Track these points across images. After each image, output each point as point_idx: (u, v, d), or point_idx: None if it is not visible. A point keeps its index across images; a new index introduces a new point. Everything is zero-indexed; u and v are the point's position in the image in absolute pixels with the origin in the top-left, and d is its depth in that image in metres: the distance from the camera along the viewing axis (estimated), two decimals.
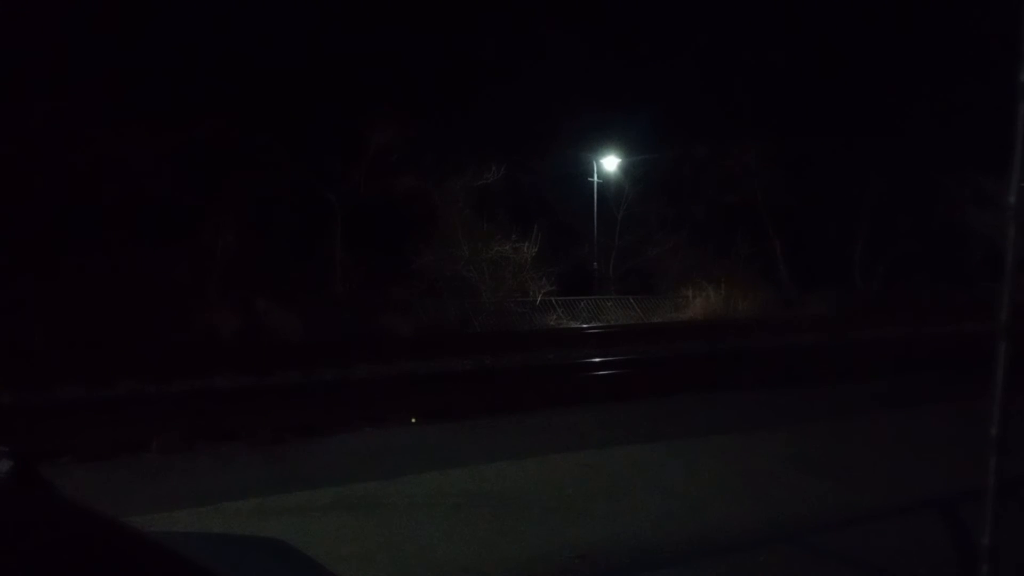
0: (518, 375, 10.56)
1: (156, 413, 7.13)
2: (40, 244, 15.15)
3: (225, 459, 5.74)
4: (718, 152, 24.94)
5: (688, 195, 25.28)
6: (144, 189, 16.89)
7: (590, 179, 24.94)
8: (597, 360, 11.57)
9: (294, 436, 6.48)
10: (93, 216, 16.07)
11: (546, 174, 24.21)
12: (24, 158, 15.70)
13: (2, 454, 0.72)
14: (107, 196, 16.37)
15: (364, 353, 11.88)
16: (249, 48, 19.34)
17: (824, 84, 26.18)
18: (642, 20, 29.60)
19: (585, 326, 18.77)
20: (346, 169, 19.91)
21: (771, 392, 8.49)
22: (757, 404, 7.89)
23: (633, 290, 23.70)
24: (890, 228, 25.73)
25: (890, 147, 24.39)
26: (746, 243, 24.93)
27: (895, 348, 13.25)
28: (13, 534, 0.66)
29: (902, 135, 24.51)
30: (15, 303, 13.22)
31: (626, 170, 25.45)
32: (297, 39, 20.54)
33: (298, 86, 19.93)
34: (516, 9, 27.72)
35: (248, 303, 15.87)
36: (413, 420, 7.28)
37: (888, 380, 9.35)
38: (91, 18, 16.49)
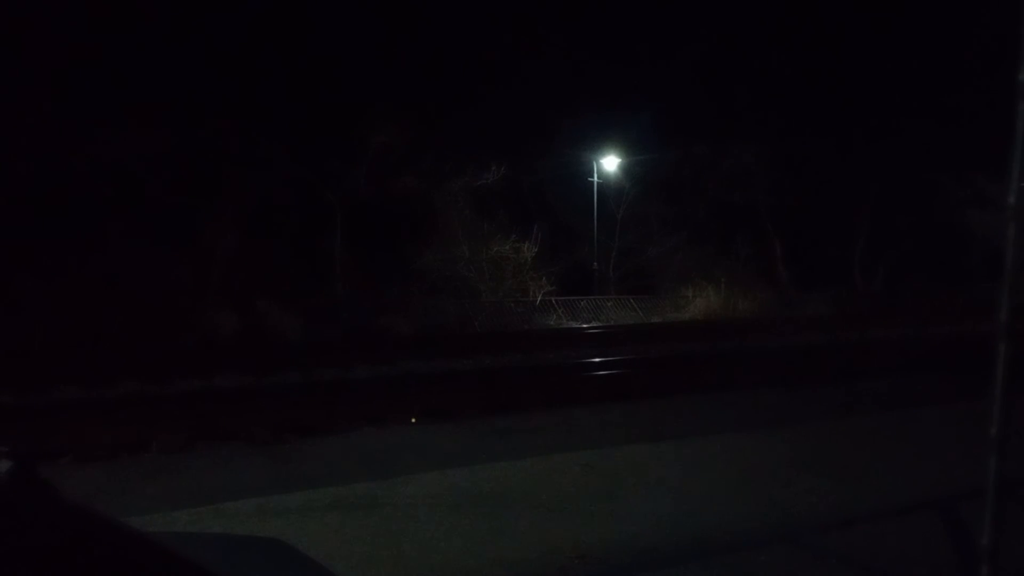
0: (518, 375, 10.55)
1: (156, 413, 7.12)
2: (40, 244, 15.15)
3: (225, 459, 5.74)
4: (718, 152, 24.96)
5: (688, 195, 25.31)
6: (144, 190, 16.89)
7: (590, 179, 24.95)
8: (597, 360, 11.57)
9: (294, 436, 6.48)
10: (93, 217, 16.07)
11: (546, 174, 24.26)
12: (24, 158, 15.70)
13: (2, 454, 0.72)
14: (107, 196, 16.37)
15: (364, 353, 11.88)
16: (250, 48, 19.34)
17: (823, 85, 26.20)
18: (641, 21, 29.61)
19: (585, 326, 18.78)
20: (346, 169, 19.92)
21: (771, 392, 8.50)
22: (757, 404, 7.89)
23: (633, 290, 23.71)
24: (890, 228, 25.74)
25: (890, 147, 24.40)
26: (746, 243, 24.97)
27: (895, 348, 13.25)
28: (13, 534, 0.66)
29: (901, 135, 24.51)
30: (15, 303, 13.21)
31: (626, 170, 25.46)
32: (298, 39, 20.51)
33: (298, 86, 19.94)
34: (516, 9, 27.71)
35: (248, 303, 15.87)
36: (413, 420, 7.28)
37: (888, 380, 9.35)
38: (91, 18, 16.49)
